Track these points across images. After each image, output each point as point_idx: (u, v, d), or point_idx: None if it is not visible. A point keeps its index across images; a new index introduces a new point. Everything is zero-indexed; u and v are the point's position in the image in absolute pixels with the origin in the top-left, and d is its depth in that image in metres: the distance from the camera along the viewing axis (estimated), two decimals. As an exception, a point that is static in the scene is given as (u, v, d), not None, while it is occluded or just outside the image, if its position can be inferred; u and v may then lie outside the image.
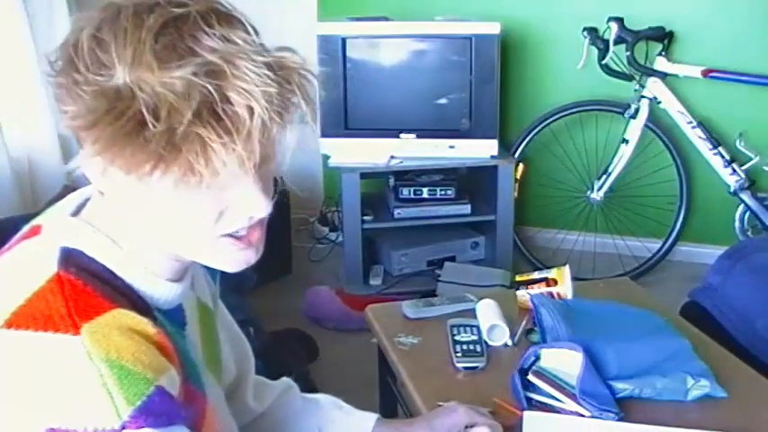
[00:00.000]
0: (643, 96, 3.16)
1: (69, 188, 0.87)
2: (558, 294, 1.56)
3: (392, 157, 3.04)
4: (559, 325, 1.37)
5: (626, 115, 3.20)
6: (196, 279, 0.99)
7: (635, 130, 3.19)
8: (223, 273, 1.07)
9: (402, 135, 3.06)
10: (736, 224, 3.21)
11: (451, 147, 3.05)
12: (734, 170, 3.12)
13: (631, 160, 3.24)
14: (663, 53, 3.15)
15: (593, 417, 1.21)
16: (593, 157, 3.40)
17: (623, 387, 1.26)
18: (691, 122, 3.14)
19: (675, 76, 3.16)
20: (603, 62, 3.11)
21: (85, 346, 0.71)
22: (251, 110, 0.71)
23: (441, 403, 1.25)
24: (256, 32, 0.76)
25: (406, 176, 3.14)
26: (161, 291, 0.84)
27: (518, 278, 1.65)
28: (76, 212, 0.85)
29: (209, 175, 0.72)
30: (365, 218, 3.06)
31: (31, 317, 0.73)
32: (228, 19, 0.75)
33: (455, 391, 1.31)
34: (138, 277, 0.82)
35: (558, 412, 1.23)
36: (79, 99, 0.72)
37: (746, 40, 3.19)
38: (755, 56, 3.16)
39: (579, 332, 1.34)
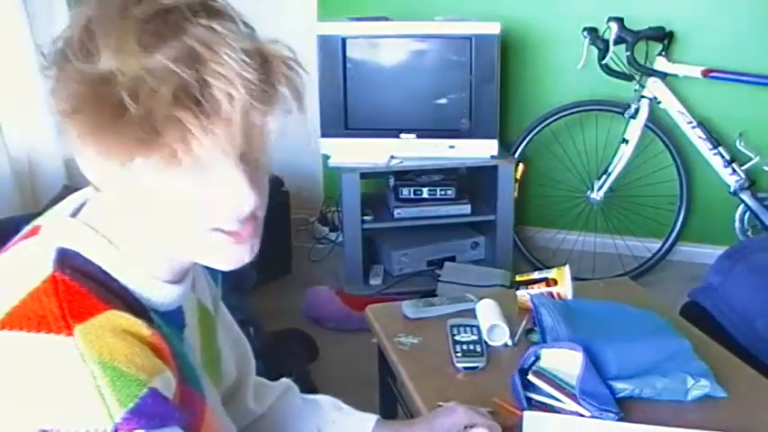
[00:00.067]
0: (643, 96, 3.16)
1: (69, 188, 0.88)
2: (558, 294, 1.56)
3: (392, 157, 3.04)
4: (559, 325, 1.37)
5: (626, 115, 3.20)
6: (197, 281, 0.98)
7: (635, 130, 3.19)
8: (224, 273, 1.07)
9: (402, 135, 3.06)
10: (736, 224, 3.21)
11: (451, 147, 3.05)
12: (734, 170, 3.12)
13: (631, 160, 3.24)
14: (663, 53, 3.15)
15: (593, 417, 1.21)
16: (593, 157, 3.40)
17: (623, 387, 1.26)
18: (691, 122, 3.14)
19: (675, 76, 3.16)
20: (603, 62, 3.11)
21: (78, 347, 0.71)
22: (230, 95, 0.71)
23: (441, 403, 1.25)
24: (249, 27, 0.77)
25: (406, 176, 3.14)
26: (159, 293, 0.84)
27: (518, 278, 1.65)
28: (76, 213, 0.84)
29: (191, 162, 0.72)
30: (365, 218, 3.06)
31: (24, 318, 0.73)
32: (218, 12, 0.75)
33: (455, 391, 1.31)
34: (135, 279, 0.81)
35: (558, 412, 1.23)
36: (66, 87, 0.73)
37: (746, 40, 3.19)
38: (755, 56, 3.16)
39: (579, 332, 1.34)
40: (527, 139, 3.29)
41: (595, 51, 3.13)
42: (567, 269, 1.60)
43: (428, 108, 3.07)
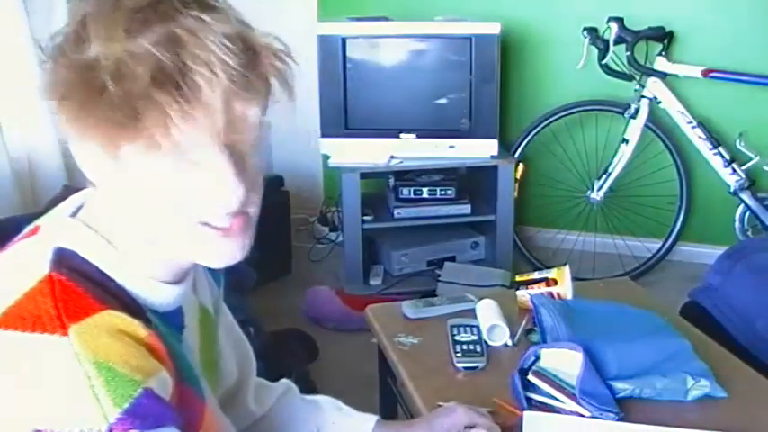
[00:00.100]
0: (643, 96, 3.16)
1: (69, 188, 0.88)
2: (558, 294, 1.56)
3: (392, 157, 3.04)
4: (559, 325, 1.37)
5: (626, 115, 3.20)
6: (198, 283, 0.98)
7: (635, 130, 3.19)
8: (224, 274, 1.07)
9: (402, 135, 3.06)
10: (736, 224, 3.21)
11: (451, 147, 3.05)
12: (734, 170, 3.12)
13: (631, 160, 3.24)
14: (663, 53, 3.15)
15: (593, 417, 1.21)
16: (593, 157, 3.40)
17: (623, 387, 1.26)
18: (691, 122, 3.14)
19: (675, 76, 3.16)
20: (603, 62, 3.11)
21: (73, 347, 0.71)
22: (210, 80, 0.71)
23: (441, 403, 1.25)
24: (242, 22, 0.77)
25: (406, 176, 3.14)
26: (158, 293, 0.84)
27: (518, 278, 1.65)
28: (75, 213, 0.85)
29: (172, 148, 0.73)
30: (365, 218, 3.06)
31: (20, 317, 0.73)
32: (210, 6, 0.75)
33: (455, 391, 1.31)
34: (132, 279, 0.81)
35: (558, 412, 1.23)
36: (57, 75, 0.74)
37: (746, 40, 3.19)
38: (755, 56, 3.16)
39: (579, 332, 1.34)
40: (527, 139, 3.29)
41: (595, 51, 3.13)
42: (567, 269, 1.60)
43: (428, 108, 3.07)
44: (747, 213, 3.18)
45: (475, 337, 1.45)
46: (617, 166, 3.24)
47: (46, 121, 2.74)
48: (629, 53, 3.07)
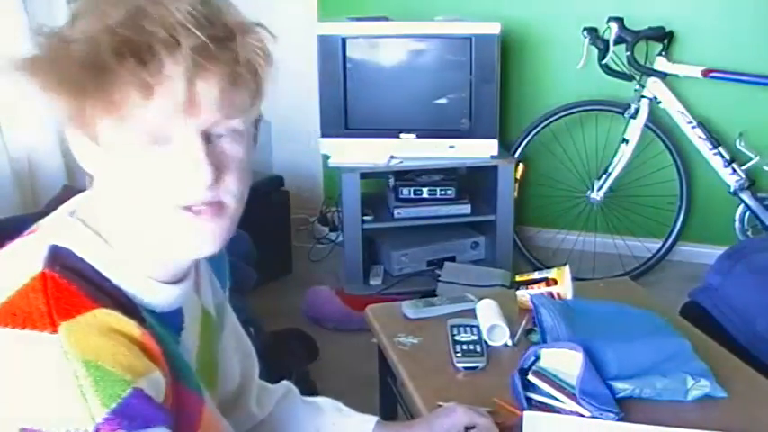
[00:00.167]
0: (643, 96, 3.16)
1: (69, 188, 0.88)
2: (558, 294, 1.56)
3: (392, 157, 3.04)
4: (559, 325, 1.37)
5: (626, 115, 3.20)
6: (202, 285, 0.98)
7: (635, 130, 3.19)
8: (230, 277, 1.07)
9: (402, 135, 3.06)
10: (736, 224, 3.21)
11: (451, 147, 3.05)
12: (734, 170, 3.12)
13: (631, 160, 3.24)
14: (663, 53, 3.15)
15: (593, 417, 1.21)
16: (593, 157, 3.40)
17: (623, 387, 1.26)
18: (691, 122, 3.14)
19: (675, 76, 3.16)
20: (603, 62, 3.11)
21: (63, 344, 0.70)
22: (171, 53, 0.72)
23: (441, 403, 1.25)
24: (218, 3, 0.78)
25: (406, 176, 3.14)
26: (155, 293, 0.83)
27: (518, 278, 1.65)
28: (75, 212, 0.85)
29: (138, 121, 0.73)
30: (365, 218, 3.06)
31: (11, 314, 0.72)
32: (204, 1, 0.76)
33: (455, 391, 1.31)
34: (128, 278, 0.81)
35: (558, 412, 1.23)
36: (38, 53, 0.77)
37: (746, 40, 3.19)
38: (755, 56, 3.16)
39: (579, 332, 1.34)
40: (527, 139, 3.29)
41: (595, 51, 3.13)
42: (567, 269, 1.60)
43: (428, 108, 3.07)
44: (747, 213, 3.18)
45: (475, 337, 1.45)
46: (617, 166, 3.24)
47: (46, 121, 2.74)
48: (629, 53, 3.07)
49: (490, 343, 1.45)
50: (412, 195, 3.12)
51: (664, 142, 3.24)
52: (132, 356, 0.74)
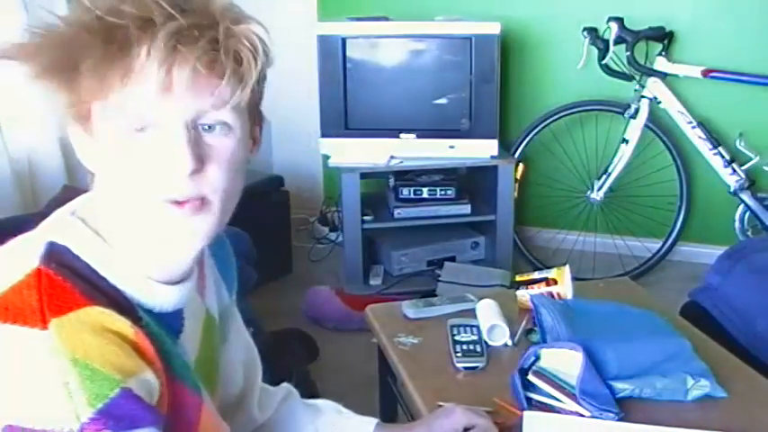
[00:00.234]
0: (643, 96, 3.16)
1: (69, 188, 0.88)
2: (558, 294, 1.56)
3: (392, 157, 3.04)
4: (559, 325, 1.37)
5: (626, 115, 3.20)
6: (207, 288, 0.98)
7: (635, 130, 3.19)
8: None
9: (402, 135, 3.06)
10: (736, 224, 3.21)
11: (451, 147, 3.05)
12: (734, 170, 3.12)
13: (631, 160, 3.24)
14: (663, 53, 3.15)
15: (593, 417, 1.21)
16: (593, 157, 3.40)
17: (623, 387, 1.26)
18: (691, 122, 3.14)
19: (675, 76, 3.16)
20: (603, 62, 3.11)
21: (52, 341, 0.70)
22: (149, 37, 0.72)
23: (440, 403, 1.25)
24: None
25: (406, 176, 3.14)
26: (153, 294, 0.83)
27: (518, 278, 1.65)
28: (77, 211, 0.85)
29: (120, 105, 0.74)
30: (365, 218, 3.06)
31: (3, 309, 0.72)
32: None
33: (455, 391, 1.31)
34: (126, 278, 0.80)
35: (558, 412, 1.23)
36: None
37: (746, 40, 3.19)
38: (755, 56, 3.16)
39: (579, 332, 1.34)
40: (527, 139, 3.29)
41: (595, 51, 3.13)
42: (567, 269, 1.60)
43: (428, 108, 3.07)
44: (747, 213, 3.18)
45: (475, 337, 1.45)
46: (617, 166, 3.24)
47: (46, 121, 2.74)
48: (629, 53, 3.07)
49: (490, 343, 1.45)
50: (412, 195, 3.12)
51: (664, 142, 3.24)
52: (123, 356, 0.73)
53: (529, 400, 1.25)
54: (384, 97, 3.10)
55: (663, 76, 3.14)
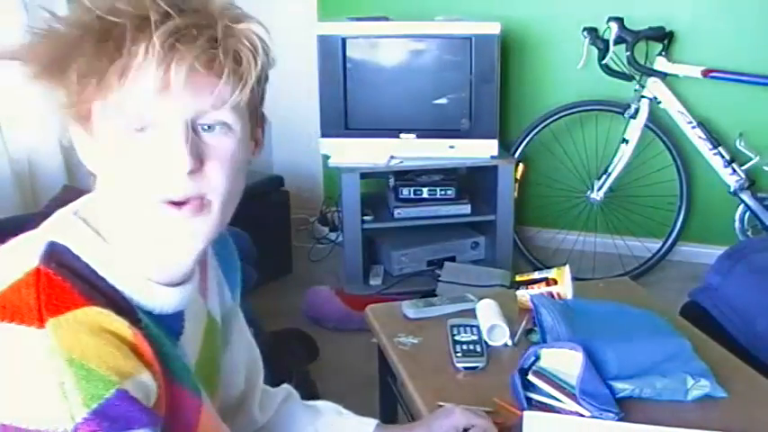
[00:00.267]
0: (643, 96, 3.16)
1: (69, 188, 0.88)
2: (558, 294, 1.56)
3: (392, 157, 3.04)
4: (559, 325, 1.37)
5: (626, 115, 3.20)
6: (210, 290, 0.98)
7: (635, 130, 3.19)
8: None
9: (402, 135, 3.06)
10: (736, 224, 3.21)
11: (451, 147, 3.05)
12: (734, 170, 3.12)
13: (631, 160, 3.24)
14: (663, 53, 3.15)
15: (593, 417, 1.21)
16: (593, 157, 3.40)
17: (623, 387, 1.26)
18: (691, 122, 3.14)
19: (675, 76, 3.16)
20: (603, 62, 3.11)
21: (48, 340, 0.70)
22: (146, 36, 0.72)
23: (440, 403, 1.25)
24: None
25: (406, 176, 3.14)
26: (153, 295, 0.82)
27: (518, 278, 1.65)
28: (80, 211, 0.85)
29: (119, 104, 0.74)
30: (365, 218, 3.06)
31: (1, 307, 0.72)
32: None
33: (455, 391, 1.31)
34: (125, 279, 0.80)
35: (558, 412, 1.23)
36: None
37: (746, 40, 3.19)
38: (755, 56, 3.16)
39: (579, 332, 1.34)
40: (527, 139, 3.29)
41: (595, 51, 3.13)
42: (567, 269, 1.60)
43: (428, 108, 3.07)
44: (747, 213, 3.18)
45: (475, 337, 1.45)
46: (617, 166, 3.24)
47: (46, 121, 2.74)
48: (629, 53, 3.07)
49: (490, 343, 1.45)
50: (412, 195, 3.12)
51: (664, 142, 3.24)
52: (120, 357, 0.73)
53: (529, 400, 1.25)
54: (384, 97, 3.10)
55: (663, 76, 3.14)
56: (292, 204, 3.40)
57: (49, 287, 0.74)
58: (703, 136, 3.13)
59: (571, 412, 1.22)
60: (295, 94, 3.13)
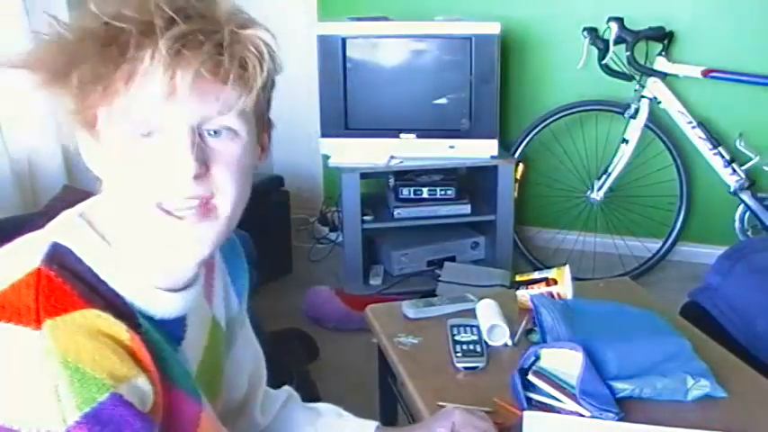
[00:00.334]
0: (643, 96, 3.16)
1: (69, 188, 0.88)
2: (558, 294, 1.56)
3: (392, 157, 3.04)
4: (559, 325, 1.37)
5: (626, 115, 3.20)
6: (215, 295, 0.97)
7: (635, 130, 3.19)
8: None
9: (402, 135, 3.06)
10: (736, 224, 3.21)
11: (451, 147, 3.05)
12: (734, 170, 3.12)
13: (631, 160, 3.24)
14: (663, 53, 3.15)
15: (593, 417, 1.21)
16: (593, 157, 3.40)
17: (623, 387, 1.26)
18: (691, 122, 3.14)
19: (675, 76, 3.16)
20: (603, 62, 3.11)
21: (44, 342, 0.69)
22: (151, 41, 0.72)
23: (441, 404, 1.25)
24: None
25: (406, 176, 3.14)
26: (155, 300, 0.82)
27: (518, 278, 1.65)
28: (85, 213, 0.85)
29: (125, 109, 0.74)
30: (365, 218, 3.06)
31: (0, 307, 0.72)
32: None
33: (455, 391, 1.31)
34: (126, 283, 0.80)
35: (558, 412, 1.23)
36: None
37: (746, 40, 3.19)
38: (755, 56, 3.16)
39: (579, 332, 1.34)
40: (527, 139, 3.29)
41: (595, 51, 3.13)
42: (567, 269, 1.60)
43: (428, 108, 3.07)
44: (747, 213, 3.18)
45: (475, 337, 1.45)
46: (617, 166, 3.24)
47: (46, 121, 2.74)
48: (629, 53, 3.07)
49: (490, 343, 1.45)
50: (412, 195, 3.12)
51: (664, 142, 3.24)
52: (116, 360, 0.72)
53: (529, 400, 1.25)
54: (384, 97, 3.10)
55: (663, 76, 3.14)
56: (292, 204, 3.40)
57: (49, 288, 0.73)
58: (703, 136, 3.13)
59: (571, 412, 1.22)
60: (295, 94, 3.12)
